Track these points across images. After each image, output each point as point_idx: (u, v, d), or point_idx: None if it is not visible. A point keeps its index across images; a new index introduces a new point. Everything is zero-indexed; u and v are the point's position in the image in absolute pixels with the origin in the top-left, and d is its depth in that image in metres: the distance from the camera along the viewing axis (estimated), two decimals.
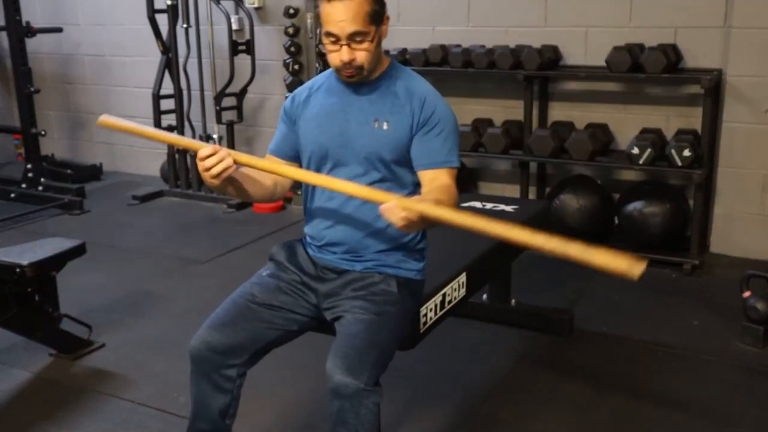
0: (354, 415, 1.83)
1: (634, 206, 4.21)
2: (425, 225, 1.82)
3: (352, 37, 1.95)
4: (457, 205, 1.91)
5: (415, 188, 2.12)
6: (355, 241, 2.10)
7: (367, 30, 1.95)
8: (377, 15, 1.97)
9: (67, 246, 3.12)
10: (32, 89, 5.63)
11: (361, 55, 1.98)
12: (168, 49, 5.50)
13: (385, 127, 2.04)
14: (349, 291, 2.07)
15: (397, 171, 2.08)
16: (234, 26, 5.46)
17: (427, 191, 2.00)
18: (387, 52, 4.82)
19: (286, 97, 2.24)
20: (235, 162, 1.92)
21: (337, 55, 1.98)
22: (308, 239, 2.21)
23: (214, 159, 1.88)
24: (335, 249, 2.13)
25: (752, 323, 3.21)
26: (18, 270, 2.86)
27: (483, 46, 4.61)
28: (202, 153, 1.90)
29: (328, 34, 1.97)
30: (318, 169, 2.12)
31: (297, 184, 2.36)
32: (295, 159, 2.19)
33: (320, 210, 2.15)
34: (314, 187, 2.15)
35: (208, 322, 2.05)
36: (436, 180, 2.02)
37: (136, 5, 5.66)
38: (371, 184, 2.03)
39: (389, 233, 2.10)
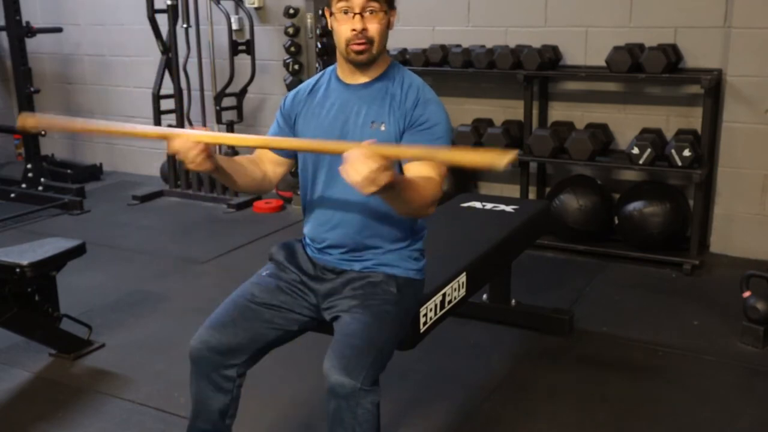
0: (351, 415, 1.83)
1: (634, 206, 4.21)
2: (388, 183, 1.67)
3: (365, 8, 1.98)
4: (437, 194, 1.91)
5: None
6: (355, 243, 2.10)
7: (381, 4, 2.00)
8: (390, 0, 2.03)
9: (67, 246, 3.12)
10: (32, 89, 5.63)
11: (373, 27, 2.00)
12: (168, 49, 5.50)
13: (382, 128, 2.03)
14: (348, 290, 2.07)
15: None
16: (234, 26, 5.46)
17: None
18: (387, 52, 4.81)
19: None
20: (208, 144, 1.88)
21: (349, 25, 1.99)
22: (308, 240, 2.21)
23: (183, 154, 1.86)
24: (335, 251, 2.13)
25: (752, 323, 3.21)
26: (18, 270, 2.85)
27: (483, 46, 4.61)
28: (169, 150, 1.88)
29: (342, 6, 1.99)
30: (315, 170, 2.13)
31: (297, 184, 2.37)
32: (288, 156, 2.20)
33: (319, 211, 2.15)
34: (313, 189, 2.15)
35: (207, 322, 2.05)
36: (420, 171, 1.93)
37: (136, 5, 5.66)
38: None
39: (389, 233, 2.10)
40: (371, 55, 2.04)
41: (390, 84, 2.08)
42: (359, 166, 1.63)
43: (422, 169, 1.95)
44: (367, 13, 1.99)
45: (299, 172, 2.20)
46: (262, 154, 2.22)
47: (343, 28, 2.01)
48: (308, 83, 2.20)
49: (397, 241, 2.12)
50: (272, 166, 2.21)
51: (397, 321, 2.04)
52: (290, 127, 2.17)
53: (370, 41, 2.01)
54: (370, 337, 1.92)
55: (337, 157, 2.05)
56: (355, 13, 1.98)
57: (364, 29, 1.99)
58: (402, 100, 2.05)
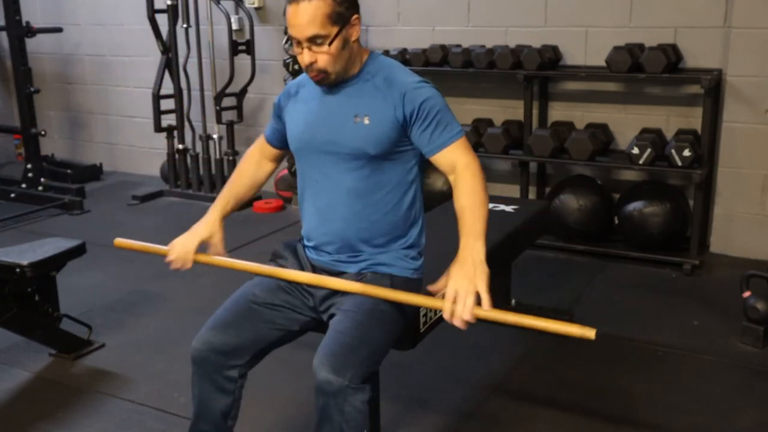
0: (338, 412, 1.83)
1: (634, 206, 4.21)
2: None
3: (312, 40, 1.93)
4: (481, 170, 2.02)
5: (409, 185, 2.11)
6: (348, 240, 2.10)
7: (326, 33, 1.92)
8: (340, 16, 1.93)
9: (67, 246, 3.12)
10: (32, 89, 5.63)
11: (323, 58, 1.95)
12: (168, 49, 5.50)
13: (366, 121, 2.01)
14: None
15: (384, 166, 2.05)
16: (234, 26, 5.46)
17: (455, 189, 2.02)
18: (387, 52, 4.82)
19: None
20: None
21: (301, 58, 1.98)
22: (305, 241, 2.22)
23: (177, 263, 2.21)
24: (329, 248, 2.13)
25: (752, 323, 3.21)
26: (18, 270, 2.86)
27: (483, 46, 4.61)
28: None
29: (292, 37, 1.97)
30: (307, 167, 2.14)
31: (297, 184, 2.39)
32: (284, 147, 2.28)
33: (313, 210, 2.15)
34: (306, 187, 2.16)
35: (209, 323, 2.05)
36: (455, 162, 2.01)
37: (136, 5, 5.66)
38: (356, 160, 2.04)
39: (382, 230, 2.10)
40: (331, 81, 2.01)
41: (370, 77, 2.05)
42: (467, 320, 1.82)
43: (454, 157, 2.01)
44: (315, 45, 1.94)
45: (297, 170, 2.22)
46: (261, 151, 2.34)
47: (299, 59, 1.99)
48: (296, 81, 2.21)
49: (392, 240, 2.12)
50: (272, 162, 2.37)
51: (392, 320, 2.03)
52: (282, 123, 2.23)
53: (323, 71, 1.98)
54: (360, 335, 1.92)
55: (323, 151, 2.07)
56: (303, 47, 1.95)
57: (313, 62, 1.96)
58: (386, 89, 2.02)
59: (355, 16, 1.99)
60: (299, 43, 1.95)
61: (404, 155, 2.08)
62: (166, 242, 2.27)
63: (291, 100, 2.18)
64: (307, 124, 2.10)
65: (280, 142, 2.27)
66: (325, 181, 2.10)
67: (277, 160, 2.37)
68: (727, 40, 4.10)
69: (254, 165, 2.34)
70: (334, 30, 1.93)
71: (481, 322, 1.85)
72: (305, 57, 1.96)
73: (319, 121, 2.08)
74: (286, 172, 5.36)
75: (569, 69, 4.53)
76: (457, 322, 1.82)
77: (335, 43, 1.94)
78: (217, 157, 5.60)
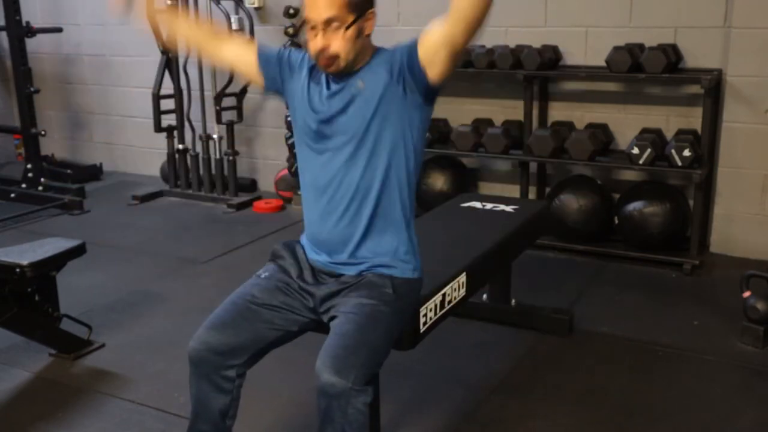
0: (341, 414, 1.83)
1: (634, 206, 4.21)
2: None
3: (328, 23, 1.94)
4: None
5: (408, 188, 2.11)
6: (347, 241, 2.10)
7: (344, 17, 1.94)
8: (357, 6, 1.96)
9: (67, 246, 3.12)
10: (32, 89, 5.63)
11: (336, 43, 1.96)
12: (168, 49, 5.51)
13: (360, 84, 2.03)
14: (345, 292, 2.07)
15: (382, 135, 2.04)
16: (234, 26, 5.46)
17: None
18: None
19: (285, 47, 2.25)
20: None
21: (314, 42, 1.98)
22: (305, 240, 2.22)
23: None
24: (328, 250, 2.13)
25: (752, 323, 3.21)
26: (18, 270, 2.86)
27: (483, 46, 4.61)
28: None
29: (307, 21, 1.98)
30: (307, 142, 2.13)
31: (297, 184, 2.39)
32: (259, 67, 2.19)
33: (313, 211, 2.16)
34: (308, 188, 2.16)
35: (207, 323, 2.05)
36: (436, 23, 1.94)
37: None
38: (355, 150, 2.04)
39: (382, 232, 2.10)
40: (339, 68, 2.02)
41: (374, 63, 2.06)
42: None
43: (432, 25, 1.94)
44: (330, 29, 1.95)
45: (298, 170, 2.21)
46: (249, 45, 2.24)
47: (310, 44, 2.00)
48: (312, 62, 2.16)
49: (391, 241, 2.11)
50: (232, 55, 2.26)
51: (392, 321, 2.04)
52: (280, 71, 2.17)
53: (334, 57, 1.98)
54: (362, 337, 1.92)
55: (327, 131, 2.06)
56: (318, 31, 1.96)
57: (326, 46, 1.97)
58: (383, 63, 2.03)
59: (371, 10, 2.01)
60: (313, 27, 1.96)
61: (402, 146, 2.07)
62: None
63: (305, 70, 2.14)
64: (312, 107, 2.09)
65: (266, 68, 2.18)
66: (324, 182, 2.10)
67: (234, 60, 2.27)
68: (727, 40, 4.10)
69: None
70: (351, 17, 1.95)
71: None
72: (318, 41, 1.97)
73: (324, 108, 2.07)
74: (286, 172, 5.36)
75: (569, 69, 4.53)
76: None
77: (351, 30, 1.96)
78: (217, 157, 5.60)
